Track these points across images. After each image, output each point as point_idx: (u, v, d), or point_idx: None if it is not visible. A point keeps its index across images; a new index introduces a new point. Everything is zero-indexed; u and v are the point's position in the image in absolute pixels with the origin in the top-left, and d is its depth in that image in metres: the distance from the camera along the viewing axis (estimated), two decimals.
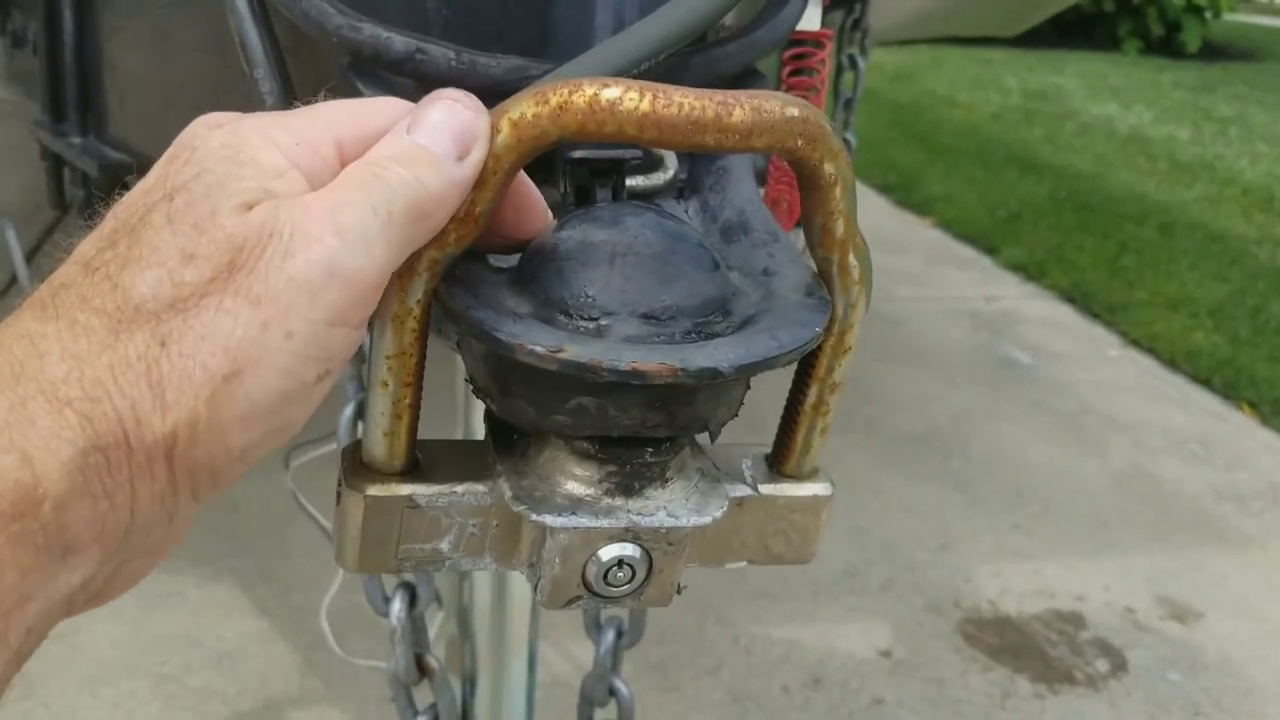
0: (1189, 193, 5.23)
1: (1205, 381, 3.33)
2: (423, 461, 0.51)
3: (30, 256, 1.78)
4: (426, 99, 0.43)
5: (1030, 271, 4.10)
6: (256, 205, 0.38)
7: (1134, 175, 5.46)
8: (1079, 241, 4.35)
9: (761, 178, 1.08)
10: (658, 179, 0.60)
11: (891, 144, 5.55)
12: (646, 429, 0.48)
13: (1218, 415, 3.16)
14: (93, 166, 1.08)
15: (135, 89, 1.05)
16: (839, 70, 1.55)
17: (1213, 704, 2.02)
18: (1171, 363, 3.45)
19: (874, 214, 4.55)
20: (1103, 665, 2.10)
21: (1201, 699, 2.03)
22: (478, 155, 0.42)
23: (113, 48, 1.06)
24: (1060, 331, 3.65)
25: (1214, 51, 9.50)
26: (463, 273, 0.47)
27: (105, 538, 0.36)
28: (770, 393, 0.61)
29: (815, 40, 0.89)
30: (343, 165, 0.42)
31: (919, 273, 4.01)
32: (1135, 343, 3.58)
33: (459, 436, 0.99)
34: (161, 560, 0.40)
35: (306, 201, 0.38)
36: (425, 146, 0.41)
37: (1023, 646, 2.13)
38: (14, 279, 1.81)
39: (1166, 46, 9.23)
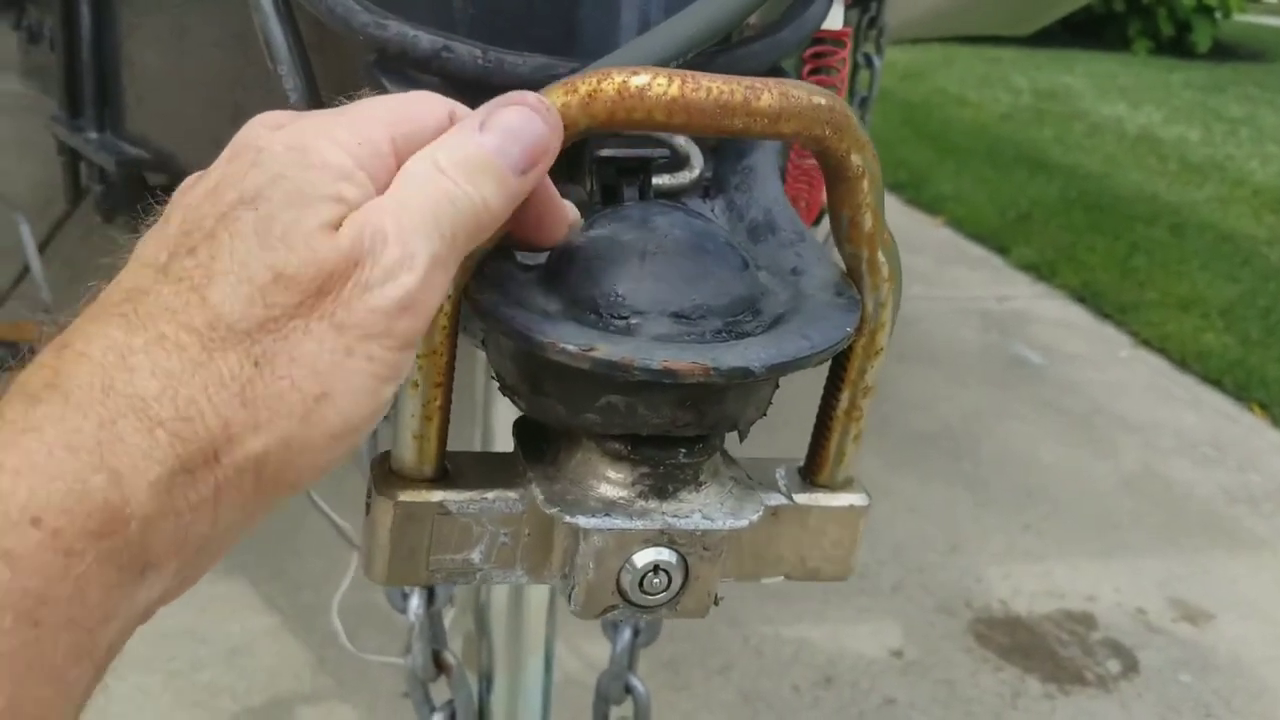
0: (1200, 193, 5.21)
1: (1216, 382, 3.32)
2: (453, 470, 0.50)
3: (42, 248, 1.78)
4: (507, 97, 0.43)
5: (1041, 271, 4.09)
6: (342, 223, 0.38)
7: (1144, 175, 5.44)
8: (1090, 241, 4.34)
9: (780, 176, 1.08)
10: (684, 178, 0.60)
11: (902, 142, 5.54)
12: (676, 427, 0.48)
13: (1229, 416, 3.15)
14: (110, 162, 1.08)
15: (153, 85, 1.05)
16: (855, 69, 1.55)
17: (1224, 705, 2.02)
18: (1182, 363, 3.44)
19: (885, 212, 4.53)
20: (1114, 666, 2.10)
21: (1213, 700, 2.03)
22: (539, 172, 0.43)
23: (131, 44, 1.06)
24: (1071, 332, 3.64)
25: (1224, 52, 9.46)
26: (492, 271, 0.47)
27: (185, 550, 0.36)
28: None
29: (836, 39, 0.89)
30: (396, 161, 0.42)
31: (930, 272, 4.00)
32: (1146, 343, 3.57)
33: (478, 438, 0.99)
34: (219, 561, 0.41)
35: (385, 227, 0.39)
36: (493, 157, 0.41)
37: (1034, 647, 2.12)
38: (26, 270, 1.81)
39: (1177, 46, 9.20)
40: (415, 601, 0.89)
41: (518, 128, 0.42)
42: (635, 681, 0.99)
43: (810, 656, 2.03)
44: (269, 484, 0.38)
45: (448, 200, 0.40)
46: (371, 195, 0.40)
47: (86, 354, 0.35)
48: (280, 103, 0.62)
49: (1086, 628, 2.19)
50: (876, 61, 1.51)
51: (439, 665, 0.92)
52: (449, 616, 1.19)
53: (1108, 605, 2.26)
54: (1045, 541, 2.45)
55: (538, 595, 1.03)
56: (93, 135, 1.14)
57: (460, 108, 0.45)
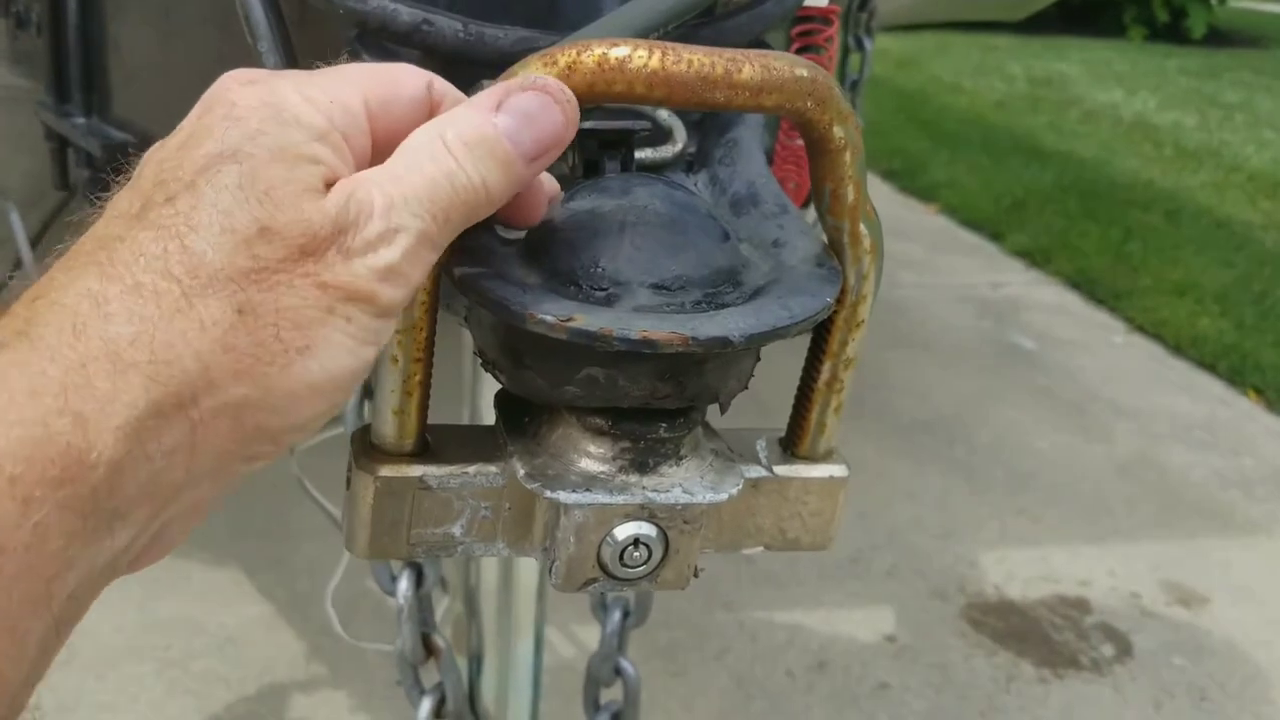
0: (1194, 179, 5.21)
1: (1211, 367, 3.33)
2: (434, 444, 0.50)
3: (35, 242, 1.78)
4: (525, 79, 0.42)
5: (1035, 258, 4.09)
6: (331, 188, 0.38)
7: (1139, 162, 5.44)
8: (1084, 228, 4.34)
9: (768, 158, 1.08)
10: (667, 152, 0.59)
11: (896, 130, 5.54)
12: (657, 399, 0.47)
13: (1223, 401, 3.16)
14: (96, 147, 1.08)
15: (139, 68, 1.05)
16: (845, 52, 1.55)
17: (1218, 688, 2.02)
18: (1177, 349, 3.44)
19: (879, 200, 4.46)
20: (1108, 650, 2.10)
21: (1206, 683, 2.03)
22: (547, 160, 0.42)
23: (116, 27, 1.06)
24: (1065, 318, 3.64)
25: (1219, 38, 9.46)
26: (471, 244, 0.47)
27: (156, 497, 0.36)
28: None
29: (823, 16, 0.88)
30: (371, 124, 0.41)
31: (924, 259, 4.00)
32: (1141, 329, 3.57)
33: (466, 417, 0.99)
34: (200, 521, 0.41)
35: (374, 198, 0.38)
36: (504, 140, 0.41)
37: (1027, 631, 2.13)
38: (19, 263, 1.80)
39: (1172, 33, 9.19)
40: (404, 584, 0.89)
41: (534, 113, 0.41)
42: (625, 663, 0.99)
43: (804, 642, 2.04)
44: (248, 433, 0.37)
45: (446, 179, 0.40)
46: (345, 155, 0.40)
47: (59, 302, 0.35)
48: None
49: (1080, 612, 2.20)
50: (867, 44, 1.51)
51: (428, 648, 0.92)
52: (443, 605, 1.19)
53: (1102, 589, 2.27)
54: (1039, 526, 2.46)
55: (527, 577, 1.03)
56: (80, 120, 1.13)
57: (438, 80, 0.44)
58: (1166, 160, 5.51)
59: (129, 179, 0.40)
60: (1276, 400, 3.16)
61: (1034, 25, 8.47)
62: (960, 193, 4.69)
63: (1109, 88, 7.09)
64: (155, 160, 0.39)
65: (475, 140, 0.40)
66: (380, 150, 0.41)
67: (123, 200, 0.38)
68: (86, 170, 1.14)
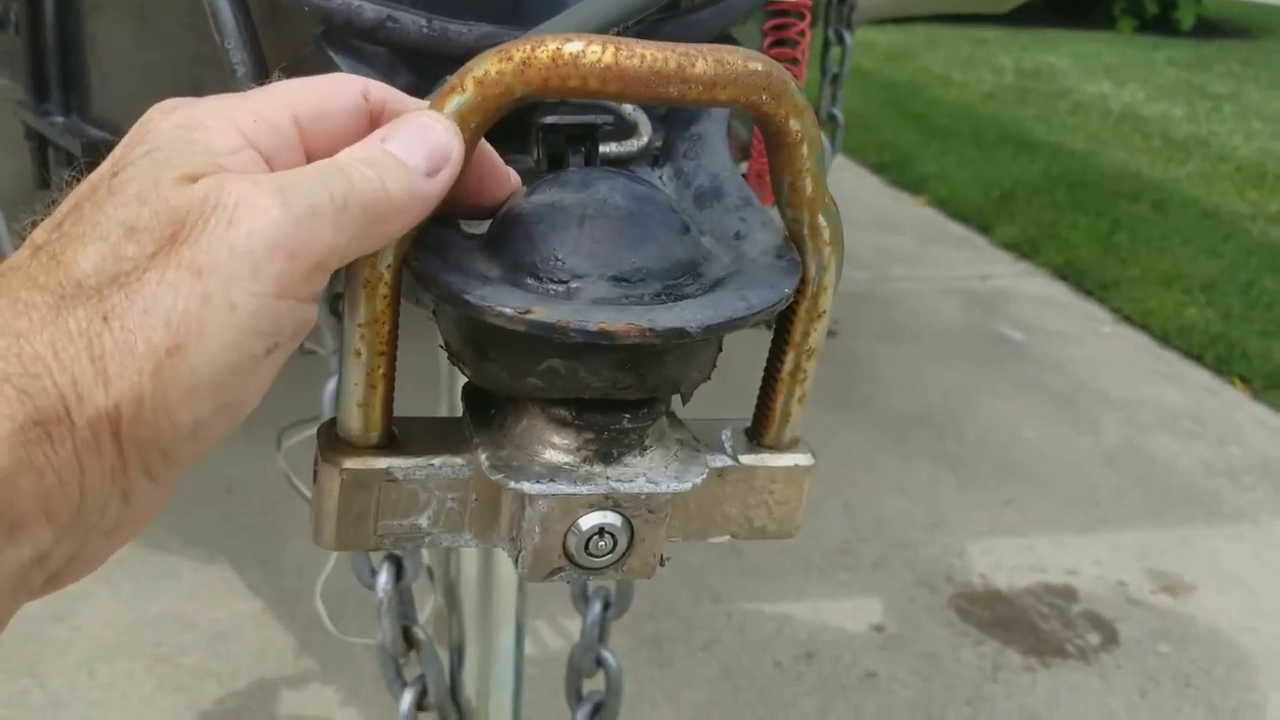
0: (1182, 170, 5.22)
1: (1198, 357, 3.34)
2: (400, 436, 0.50)
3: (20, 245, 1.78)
4: (404, 116, 0.43)
5: (1024, 249, 4.10)
6: (202, 178, 0.38)
7: (1127, 153, 5.45)
8: (1072, 219, 4.35)
9: (745, 151, 1.08)
10: (632, 146, 0.60)
11: (885, 123, 5.54)
12: (618, 390, 0.48)
13: (1210, 390, 3.17)
14: (76, 145, 1.08)
15: (117, 66, 1.05)
16: (825, 45, 1.55)
17: (1203, 675, 2.03)
18: (1164, 339, 3.45)
19: (867, 193, 4.55)
20: (1094, 638, 2.11)
21: (1191, 670, 2.04)
22: (447, 175, 0.43)
23: (94, 25, 1.06)
24: (1053, 309, 3.66)
25: (1208, 29, 9.46)
26: (434, 239, 0.47)
27: (54, 515, 0.35)
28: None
29: (795, 10, 0.89)
30: (304, 143, 0.42)
31: (912, 252, 4.01)
32: (1128, 319, 3.59)
33: (444, 409, 0.99)
34: (124, 542, 0.40)
35: (256, 177, 0.38)
36: (396, 155, 0.41)
37: (1014, 620, 2.14)
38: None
39: (1161, 24, 9.20)
40: (384, 577, 0.89)
41: (418, 135, 0.42)
42: (606, 654, 0.99)
43: (792, 632, 2.05)
44: (133, 448, 0.37)
45: (340, 173, 0.40)
46: (261, 168, 0.39)
47: None
48: (229, 79, 0.62)
49: (1067, 601, 2.21)
50: (847, 37, 1.51)
51: (409, 640, 0.92)
52: (428, 607, 1.20)
53: (1088, 579, 2.28)
54: (1027, 517, 2.47)
55: (507, 569, 1.03)
56: (59, 119, 1.13)
57: (375, 85, 0.45)
58: (1155, 151, 5.52)
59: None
60: (1263, 389, 3.17)
61: (1023, 18, 8.48)
62: (949, 185, 4.70)
63: (1098, 79, 7.10)
64: (74, 191, 0.40)
65: (368, 158, 0.41)
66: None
67: (38, 231, 0.39)
68: (67, 169, 1.14)
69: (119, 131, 1.08)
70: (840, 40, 1.51)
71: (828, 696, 1.90)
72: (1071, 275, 3.88)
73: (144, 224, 0.36)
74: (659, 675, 1.90)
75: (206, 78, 0.84)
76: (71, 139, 1.08)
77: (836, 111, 1.55)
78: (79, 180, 0.41)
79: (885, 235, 4.01)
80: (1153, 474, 2.70)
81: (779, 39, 0.91)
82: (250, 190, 0.37)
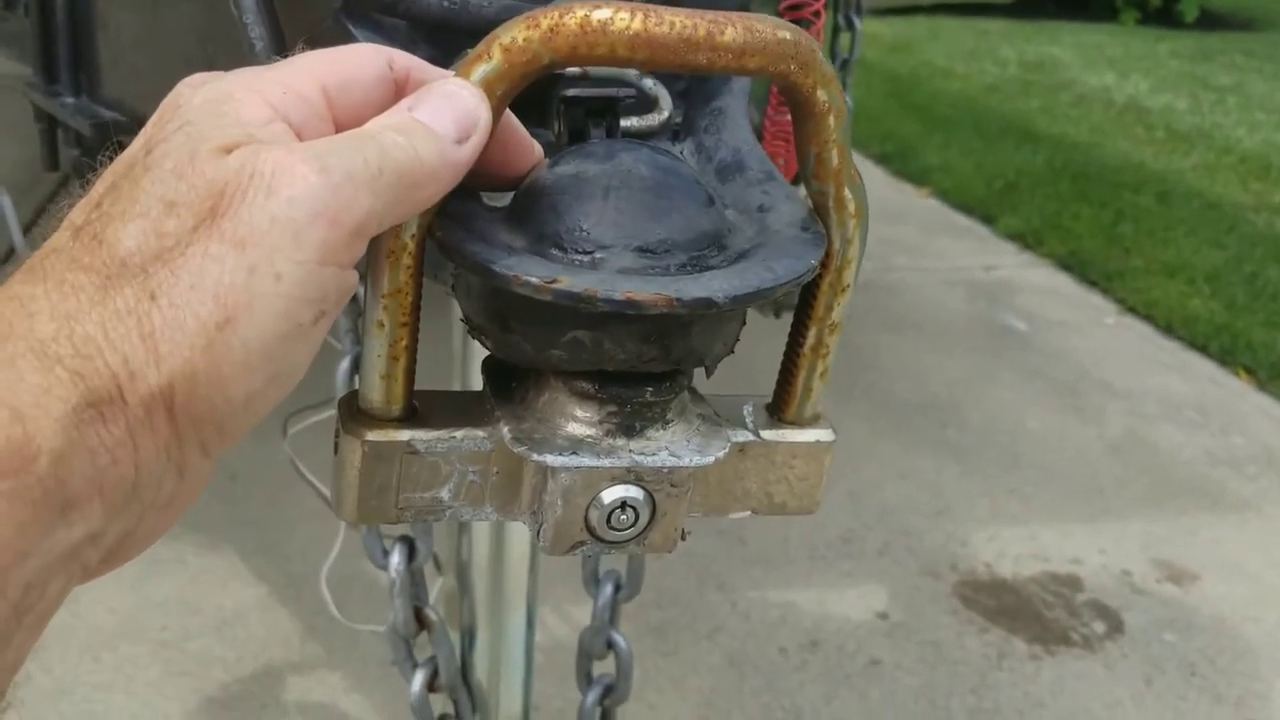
0: (1186, 161, 5.21)
1: (1202, 347, 3.34)
2: (421, 409, 0.50)
3: (28, 228, 1.78)
4: (431, 85, 0.43)
5: (1027, 240, 4.10)
6: (236, 148, 0.37)
7: (1131, 144, 5.45)
8: (1076, 210, 4.35)
9: (757, 134, 1.08)
10: (653, 120, 0.60)
11: (889, 114, 5.53)
12: (642, 363, 0.48)
13: (1214, 381, 3.17)
14: (86, 126, 1.08)
15: (127, 46, 1.05)
16: (835, 31, 1.55)
17: (1208, 664, 2.04)
18: (1168, 329, 3.45)
19: (871, 184, 4.50)
20: (1099, 627, 2.11)
21: (1197, 659, 2.05)
22: (476, 141, 0.42)
23: (104, 5, 1.06)
24: (1057, 299, 3.65)
25: (1212, 21, 9.44)
26: (457, 210, 0.47)
27: (108, 492, 0.35)
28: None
29: None
30: (331, 113, 0.41)
31: (917, 242, 4.01)
32: (1132, 310, 3.58)
33: (456, 387, 0.99)
34: (177, 518, 0.40)
35: (291, 145, 0.38)
36: (425, 122, 0.41)
37: (1019, 609, 2.14)
38: (12, 250, 1.80)
39: (1164, 16, 9.18)
40: (396, 558, 0.89)
41: (446, 101, 0.42)
42: (617, 636, 0.99)
43: (797, 620, 2.05)
44: (188, 423, 0.37)
45: (373, 141, 0.39)
46: (292, 139, 0.39)
47: None
48: (250, 55, 0.62)
49: (1072, 589, 2.21)
50: (857, 23, 1.51)
51: (420, 621, 0.92)
52: (435, 589, 1.20)
53: (1093, 567, 2.28)
54: (1031, 506, 2.47)
55: (519, 550, 1.03)
56: (69, 100, 1.13)
57: (399, 55, 0.45)
58: (1158, 143, 5.51)
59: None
60: (1267, 380, 3.17)
61: (1026, 9, 8.45)
62: (952, 176, 4.69)
63: (1101, 71, 7.09)
64: (108, 169, 0.40)
65: (398, 125, 0.41)
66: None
67: (74, 212, 0.39)
68: (76, 150, 1.14)
69: (130, 112, 1.08)
70: (850, 26, 1.51)
71: (832, 684, 1.91)
72: (1075, 266, 3.88)
73: (183, 198, 0.36)
74: (664, 663, 1.90)
75: (219, 55, 0.83)
76: (82, 120, 1.08)
77: (846, 98, 1.54)
78: (112, 160, 0.41)
79: (889, 226, 4.00)
80: (1156, 464, 2.70)
81: (795, 19, 0.91)
82: (286, 158, 0.37)
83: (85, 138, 1.12)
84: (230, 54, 0.79)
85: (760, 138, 1.07)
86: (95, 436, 0.34)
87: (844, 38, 1.57)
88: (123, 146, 0.42)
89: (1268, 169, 5.14)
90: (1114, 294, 3.68)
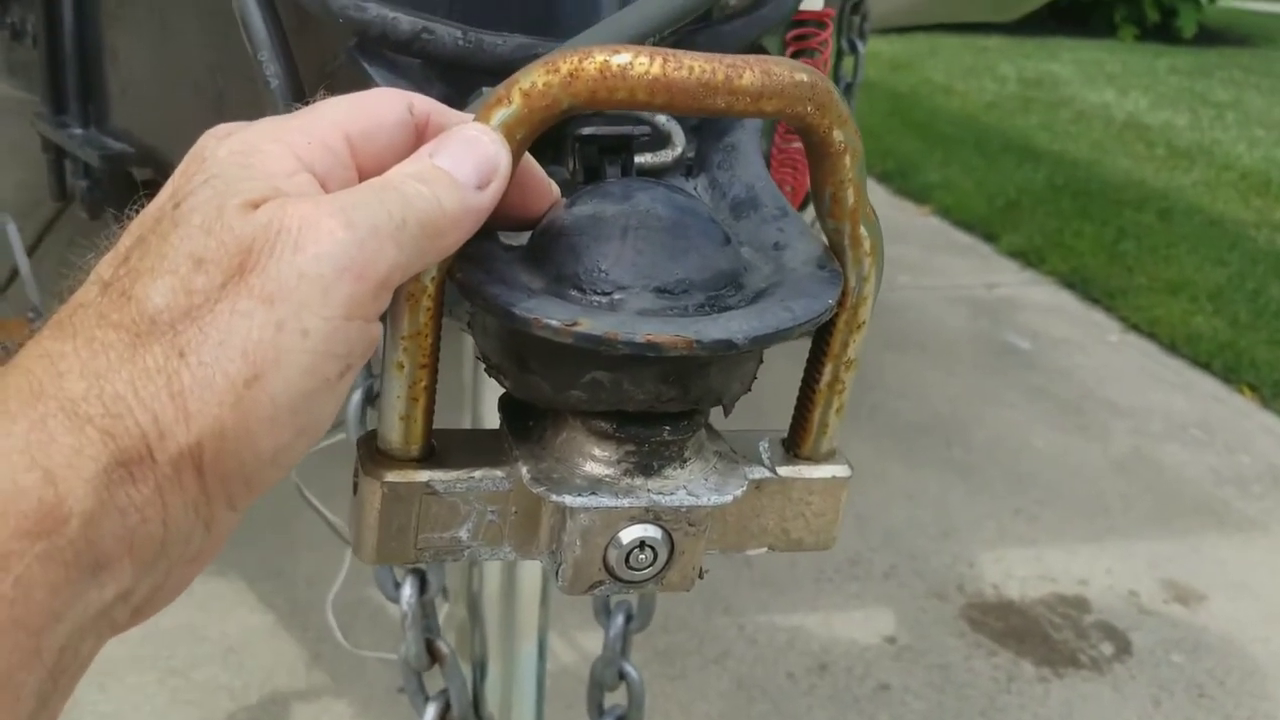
0: (1187, 178, 5.22)
1: (1205, 365, 3.34)
2: (439, 449, 0.50)
3: (31, 251, 1.78)
4: (451, 130, 0.43)
5: (1029, 258, 4.10)
6: (263, 203, 0.37)
7: (1131, 161, 5.46)
8: (1077, 228, 4.35)
9: (765, 162, 1.08)
10: (666, 156, 0.60)
11: (889, 132, 5.55)
12: (661, 403, 0.48)
13: (1218, 399, 3.17)
14: (94, 157, 1.08)
15: (136, 78, 1.05)
16: (839, 54, 1.55)
17: (1216, 685, 2.03)
18: (1172, 347, 3.45)
19: (872, 202, 4.54)
20: (1107, 648, 2.10)
21: (1205, 680, 2.04)
22: (496, 187, 0.43)
23: (113, 36, 1.06)
24: (1060, 317, 3.65)
25: (1210, 36, 9.49)
26: (475, 250, 0.47)
27: (137, 551, 0.35)
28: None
29: (818, 20, 0.89)
30: (355, 160, 0.42)
31: (918, 260, 4.01)
32: (1135, 328, 3.58)
33: (467, 422, 0.99)
34: (203, 568, 0.40)
35: (317, 199, 0.38)
36: (446, 170, 0.41)
37: (1027, 631, 2.13)
38: (15, 274, 1.80)
39: (1162, 32, 9.22)
40: (407, 590, 0.89)
41: (466, 148, 0.42)
42: (629, 667, 0.99)
43: (805, 644, 2.04)
44: (216, 480, 0.37)
45: (395, 191, 0.39)
46: (317, 191, 0.39)
47: (21, 365, 0.35)
48: (263, 90, 0.62)
49: (1079, 611, 2.20)
50: (860, 47, 1.51)
51: (432, 654, 0.92)
52: (444, 609, 1.19)
53: (1100, 588, 2.27)
54: (1037, 526, 2.46)
55: (530, 582, 1.03)
56: (77, 131, 1.13)
57: (419, 99, 0.45)
58: (1159, 159, 5.52)
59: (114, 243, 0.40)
60: (1271, 397, 3.17)
61: (1025, 26, 8.48)
62: (954, 194, 4.70)
63: (1100, 88, 7.11)
64: (135, 221, 0.40)
65: (419, 174, 0.41)
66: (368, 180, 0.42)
67: (101, 266, 0.39)
68: (84, 180, 1.14)
69: (139, 143, 1.08)
70: (854, 49, 1.51)
71: (841, 709, 1.90)
72: (1078, 284, 3.88)
73: (211, 254, 0.36)
74: (672, 688, 1.90)
75: (230, 89, 0.83)
76: (90, 151, 1.08)
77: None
78: (137, 212, 0.41)
79: (890, 244, 3.95)
80: (1162, 482, 2.69)
81: (800, 48, 0.91)
82: (313, 213, 0.37)
83: (93, 168, 1.12)
84: (242, 88, 0.80)
85: (767, 164, 1.08)
86: (125, 496, 0.34)
87: (847, 62, 1.57)
88: (147, 187, 0.42)
89: (1268, 185, 5.15)
90: (1117, 312, 3.68)
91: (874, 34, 1.67)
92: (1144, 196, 4.83)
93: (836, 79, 1.55)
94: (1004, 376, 3.18)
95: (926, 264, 4.00)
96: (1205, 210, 4.72)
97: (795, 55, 0.92)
